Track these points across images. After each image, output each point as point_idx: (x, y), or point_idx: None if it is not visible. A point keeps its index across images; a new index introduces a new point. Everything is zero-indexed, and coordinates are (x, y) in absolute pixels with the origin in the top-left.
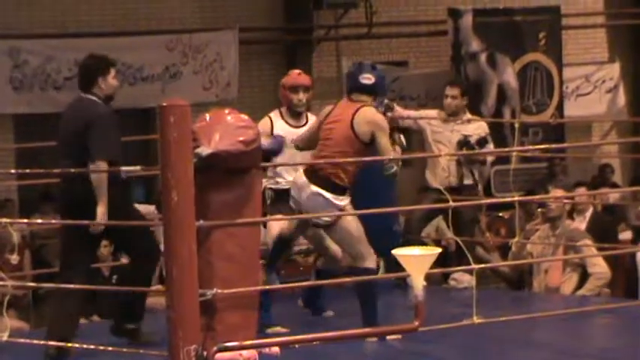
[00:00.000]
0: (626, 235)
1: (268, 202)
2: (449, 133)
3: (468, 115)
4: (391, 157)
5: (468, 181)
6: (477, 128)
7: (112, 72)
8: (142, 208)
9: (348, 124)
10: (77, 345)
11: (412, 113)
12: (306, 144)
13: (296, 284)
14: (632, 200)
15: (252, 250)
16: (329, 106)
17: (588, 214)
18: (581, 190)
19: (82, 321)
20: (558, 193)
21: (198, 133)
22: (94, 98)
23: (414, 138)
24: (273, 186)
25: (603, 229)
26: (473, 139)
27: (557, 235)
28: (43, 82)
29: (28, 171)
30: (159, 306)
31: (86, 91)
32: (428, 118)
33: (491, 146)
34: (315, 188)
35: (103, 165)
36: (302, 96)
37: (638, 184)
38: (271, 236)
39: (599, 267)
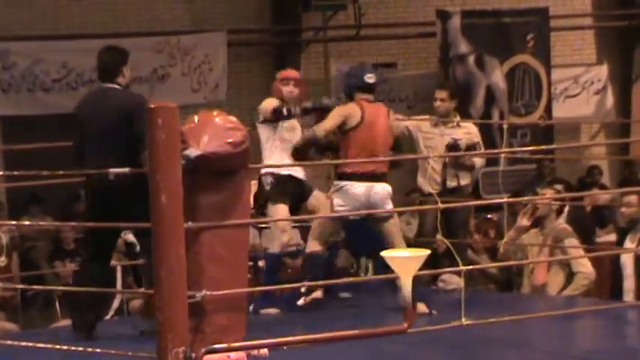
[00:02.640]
0: (611, 237)
1: (267, 188)
2: (439, 137)
3: (458, 118)
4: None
5: (452, 184)
6: (468, 133)
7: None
8: None
9: (387, 122)
10: (65, 347)
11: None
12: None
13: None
14: (621, 202)
15: (241, 251)
16: (348, 106)
17: (565, 213)
18: (559, 187)
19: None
20: (547, 193)
21: (186, 135)
22: (120, 88)
23: (404, 143)
24: (274, 170)
25: (580, 228)
26: (462, 143)
27: (545, 234)
28: (32, 84)
29: (16, 173)
30: None
31: (111, 82)
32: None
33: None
34: (386, 185)
35: None
36: (291, 88)
37: (626, 186)
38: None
39: (583, 267)
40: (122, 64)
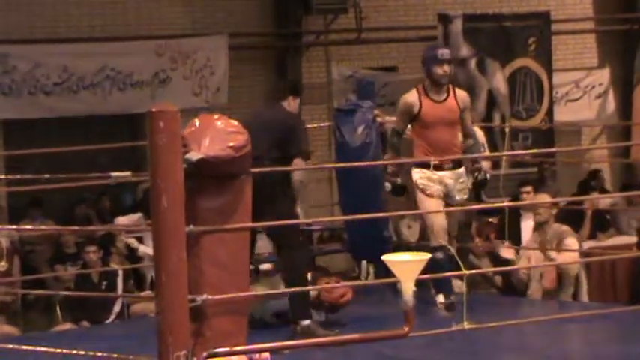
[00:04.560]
0: (617, 240)
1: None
2: None
3: None
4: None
5: None
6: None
7: None
8: (126, 219)
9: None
10: (66, 351)
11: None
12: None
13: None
14: (626, 205)
15: (242, 255)
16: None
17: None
18: (528, 188)
19: (72, 326)
20: (544, 198)
21: (187, 139)
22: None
23: (403, 145)
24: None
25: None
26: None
27: (549, 239)
28: (33, 87)
29: (17, 177)
30: (149, 312)
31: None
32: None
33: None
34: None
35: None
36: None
37: (627, 190)
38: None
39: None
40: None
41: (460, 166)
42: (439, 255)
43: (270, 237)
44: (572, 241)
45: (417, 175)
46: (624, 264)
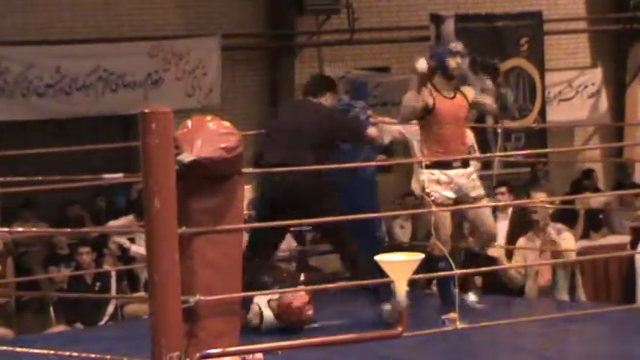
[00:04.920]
0: (610, 239)
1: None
2: None
3: None
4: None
5: None
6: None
7: None
8: (120, 221)
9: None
10: (59, 353)
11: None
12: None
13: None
14: (619, 205)
15: (235, 256)
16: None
17: (509, 212)
18: (503, 189)
19: (65, 328)
20: (540, 197)
21: (180, 140)
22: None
23: (398, 147)
24: None
25: (522, 227)
26: None
27: (545, 238)
28: (25, 89)
29: (9, 179)
30: (142, 313)
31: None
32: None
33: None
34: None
35: None
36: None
37: (620, 189)
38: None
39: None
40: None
41: (469, 165)
42: (442, 265)
43: (322, 233)
44: (568, 235)
45: (426, 177)
46: (617, 263)
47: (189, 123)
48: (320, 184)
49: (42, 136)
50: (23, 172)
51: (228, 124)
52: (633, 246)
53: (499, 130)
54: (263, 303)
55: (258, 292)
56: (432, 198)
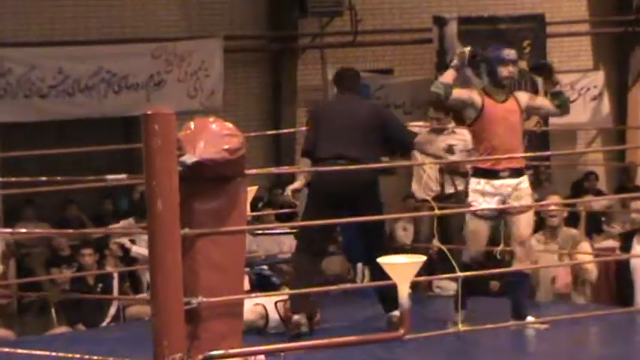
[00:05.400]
0: (612, 242)
1: None
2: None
3: (453, 125)
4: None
5: (449, 190)
6: (463, 139)
7: None
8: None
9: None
10: (61, 354)
11: None
12: None
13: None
14: (621, 208)
15: (237, 258)
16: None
17: None
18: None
19: (67, 329)
20: (554, 199)
21: (182, 142)
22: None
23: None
24: None
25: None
26: (457, 149)
27: (559, 243)
28: (28, 90)
29: (13, 179)
30: (144, 315)
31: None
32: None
33: None
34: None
35: None
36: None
37: (623, 192)
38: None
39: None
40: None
41: (522, 174)
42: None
43: (361, 233)
44: (586, 245)
45: (472, 187)
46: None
47: (191, 124)
48: (373, 181)
49: (44, 138)
50: (26, 173)
51: (230, 125)
52: (624, 251)
53: None
54: (269, 304)
55: (258, 295)
56: (472, 205)
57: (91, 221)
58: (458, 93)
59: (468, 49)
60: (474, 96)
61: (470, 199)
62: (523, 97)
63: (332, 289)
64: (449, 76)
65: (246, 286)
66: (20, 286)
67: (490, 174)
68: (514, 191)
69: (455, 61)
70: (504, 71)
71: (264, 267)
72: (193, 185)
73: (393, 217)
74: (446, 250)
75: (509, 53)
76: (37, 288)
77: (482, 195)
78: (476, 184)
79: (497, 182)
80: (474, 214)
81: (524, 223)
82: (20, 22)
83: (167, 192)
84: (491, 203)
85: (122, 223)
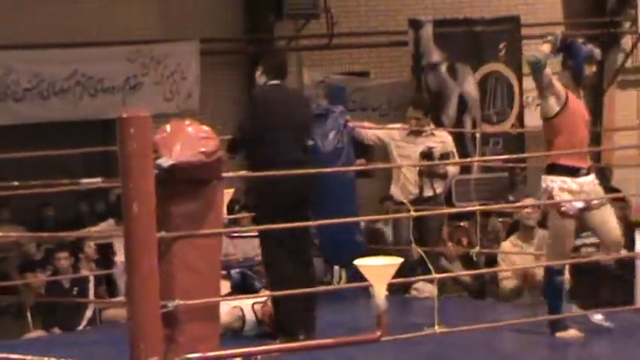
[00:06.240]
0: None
1: None
2: (413, 146)
3: (432, 127)
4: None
5: (428, 193)
6: (442, 142)
7: None
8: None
9: None
10: (37, 358)
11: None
12: None
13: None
14: None
15: (214, 261)
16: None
17: None
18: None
19: (43, 333)
20: (529, 201)
21: (159, 145)
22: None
23: (376, 152)
24: None
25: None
26: (436, 152)
27: (537, 244)
28: (3, 93)
29: None
30: (121, 318)
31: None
32: (394, 128)
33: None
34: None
35: None
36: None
37: None
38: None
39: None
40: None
41: (592, 171)
42: (558, 279)
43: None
44: None
45: (557, 185)
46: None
47: (168, 127)
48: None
49: (20, 142)
50: (1, 177)
51: (207, 128)
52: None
53: (478, 135)
54: (246, 307)
55: (236, 297)
56: (564, 209)
57: (68, 224)
58: (551, 74)
59: (560, 32)
60: (560, 86)
61: (559, 199)
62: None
63: (315, 290)
64: (547, 48)
65: (228, 289)
66: None
67: (574, 172)
68: (595, 189)
69: (551, 37)
70: (588, 70)
71: (248, 271)
72: (169, 188)
73: (371, 219)
74: (422, 253)
75: (599, 53)
76: (12, 292)
77: (571, 193)
78: (561, 182)
79: (580, 180)
80: (564, 214)
81: (613, 224)
82: None
83: (143, 195)
84: (579, 202)
85: (102, 225)
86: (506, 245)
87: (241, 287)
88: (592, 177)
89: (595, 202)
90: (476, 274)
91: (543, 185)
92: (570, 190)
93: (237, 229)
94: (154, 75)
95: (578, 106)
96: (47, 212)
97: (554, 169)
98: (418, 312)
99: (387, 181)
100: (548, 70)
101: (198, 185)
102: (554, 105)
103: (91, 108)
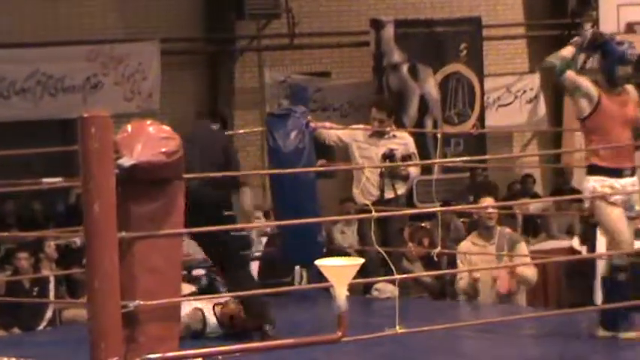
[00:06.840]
0: (548, 244)
1: None
2: (375, 148)
3: (394, 128)
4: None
5: (389, 195)
6: (404, 143)
7: None
8: None
9: None
10: None
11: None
12: None
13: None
14: (555, 210)
15: (175, 261)
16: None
17: None
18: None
19: (2, 333)
20: (487, 201)
21: (119, 145)
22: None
23: (338, 153)
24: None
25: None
26: (398, 154)
27: (496, 243)
28: None
29: None
30: (81, 318)
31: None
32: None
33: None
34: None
35: None
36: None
37: (559, 194)
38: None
39: (529, 271)
40: None
41: (635, 173)
42: (622, 277)
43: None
44: (524, 247)
45: (599, 184)
46: (554, 269)
47: (128, 127)
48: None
49: None
50: None
51: (168, 128)
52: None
53: (439, 136)
54: (207, 308)
55: (198, 297)
56: (612, 200)
57: (26, 224)
58: (574, 76)
59: (591, 29)
60: (591, 86)
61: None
62: (633, 90)
63: (270, 292)
64: (568, 51)
65: (190, 290)
66: None
67: (614, 173)
68: (635, 192)
69: (577, 38)
70: (621, 71)
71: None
72: (130, 188)
73: (330, 220)
74: (384, 254)
75: (633, 54)
76: None
77: (612, 188)
78: (601, 181)
79: (622, 181)
80: (612, 203)
81: (626, 223)
82: None
83: (104, 195)
84: (619, 203)
85: None
86: (465, 245)
87: (207, 292)
88: (635, 178)
89: (637, 207)
90: (437, 275)
91: (585, 184)
92: (612, 186)
93: (197, 229)
94: (115, 75)
95: (614, 105)
96: (8, 207)
97: (593, 169)
98: (379, 312)
99: (347, 182)
100: (570, 73)
101: (159, 185)
102: (585, 107)
103: (51, 107)
